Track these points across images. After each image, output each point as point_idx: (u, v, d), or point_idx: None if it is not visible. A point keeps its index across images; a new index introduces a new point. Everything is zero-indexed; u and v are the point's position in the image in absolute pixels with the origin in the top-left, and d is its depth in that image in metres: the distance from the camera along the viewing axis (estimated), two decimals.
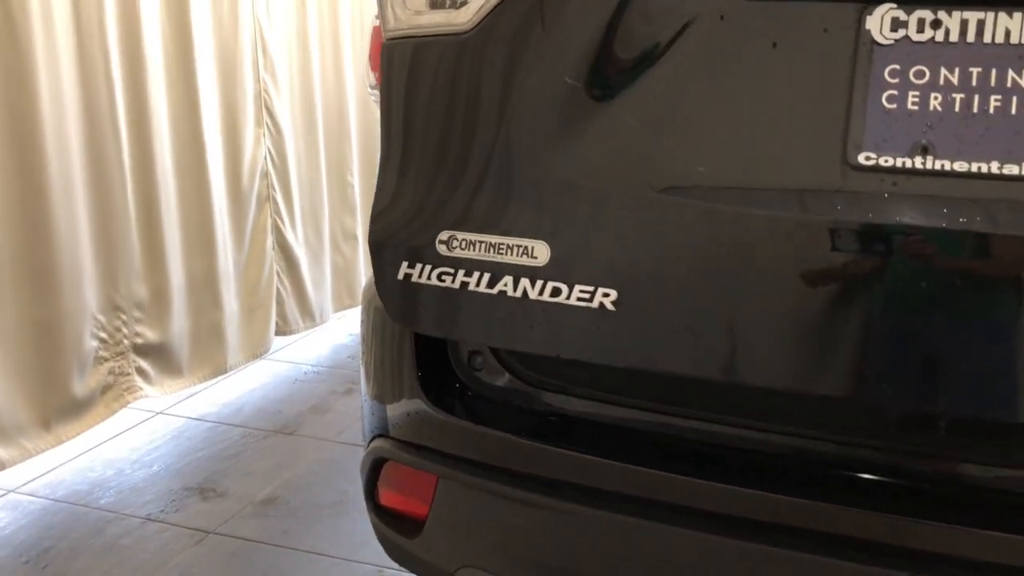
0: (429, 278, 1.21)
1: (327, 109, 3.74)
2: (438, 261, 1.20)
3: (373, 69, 1.49)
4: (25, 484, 2.63)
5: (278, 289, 3.52)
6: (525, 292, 1.13)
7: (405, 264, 1.23)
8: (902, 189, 0.99)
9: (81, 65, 2.61)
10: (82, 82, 2.62)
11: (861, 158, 1.00)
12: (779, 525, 1.16)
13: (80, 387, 2.68)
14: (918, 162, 0.98)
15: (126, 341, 2.85)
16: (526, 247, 1.13)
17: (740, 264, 1.06)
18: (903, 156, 0.98)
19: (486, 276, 1.16)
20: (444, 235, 1.19)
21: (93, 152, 2.67)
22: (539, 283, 1.12)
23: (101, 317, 2.76)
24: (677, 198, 1.07)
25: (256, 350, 3.40)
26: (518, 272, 1.14)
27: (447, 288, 1.20)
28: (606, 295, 1.09)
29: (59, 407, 2.61)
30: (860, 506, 1.11)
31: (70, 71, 2.57)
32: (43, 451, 2.57)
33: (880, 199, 1.00)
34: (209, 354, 3.16)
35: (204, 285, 3.12)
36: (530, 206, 1.14)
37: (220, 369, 3.20)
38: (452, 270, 1.19)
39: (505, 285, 1.15)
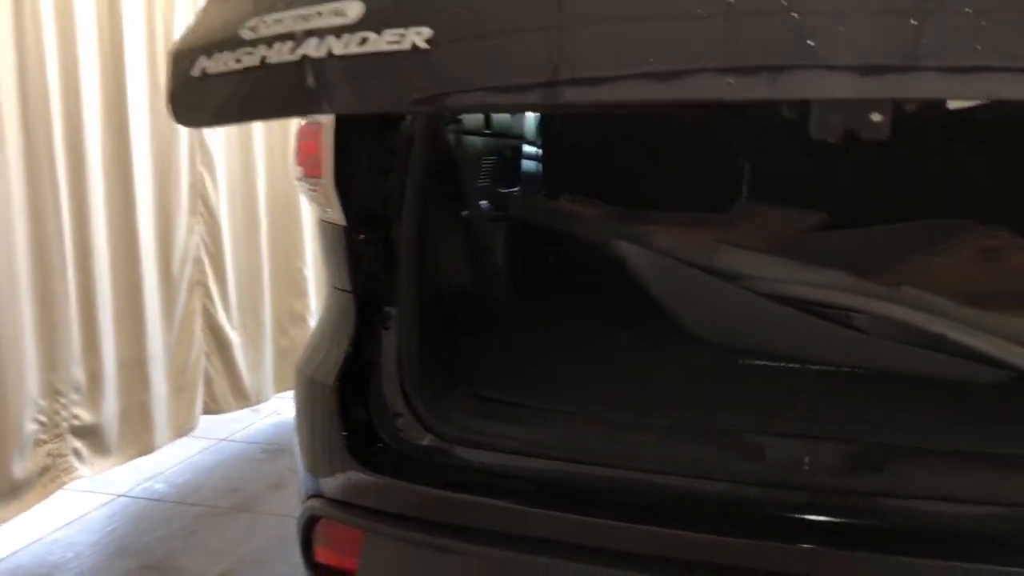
0: (227, 64, 1.16)
1: (273, 200, 3.93)
2: (239, 44, 1.14)
3: (299, 164, 1.67)
4: None
5: (207, 369, 3.65)
6: (330, 50, 1.07)
7: (203, 58, 1.18)
8: None
9: (28, 163, 2.77)
10: (28, 180, 2.77)
11: None
12: (679, 560, 1.33)
13: (19, 470, 2.76)
14: None
15: (64, 424, 2.95)
16: (336, 8, 1.08)
17: None
18: None
19: (288, 44, 1.10)
20: (251, 22, 1.14)
21: (36, 243, 2.81)
22: (347, 37, 1.06)
23: (42, 401, 2.85)
24: None
25: (183, 429, 3.50)
26: (325, 32, 1.07)
27: (246, 68, 1.14)
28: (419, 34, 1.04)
29: None
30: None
31: (17, 168, 2.72)
32: None
33: None
34: (137, 433, 3.25)
35: (134, 367, 3.24)
36: None
37: (147, 448, 3.29)
38: (252, 49, 1.13)
39: (309, 47, 1.08)
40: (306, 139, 1.66)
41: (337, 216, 1.63)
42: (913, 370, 1.77)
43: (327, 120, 1.62)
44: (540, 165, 2.86)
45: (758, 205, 2.64)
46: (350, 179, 1.62)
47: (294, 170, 1.72)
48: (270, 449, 3.67)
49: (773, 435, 1.48)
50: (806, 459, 1.40)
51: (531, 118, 2.81)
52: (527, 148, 2.83)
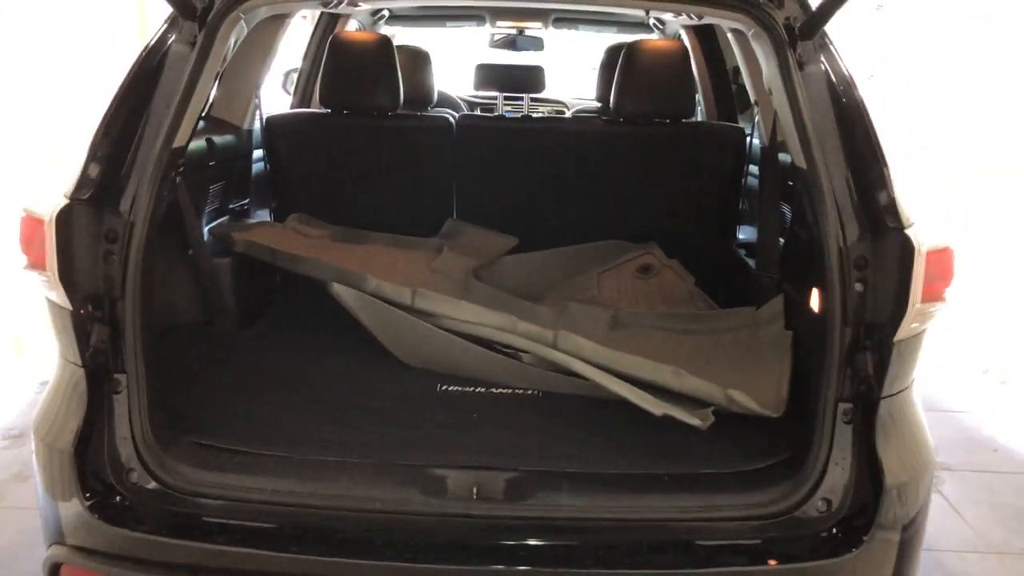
0: None
1: None
2: None
3: (25, 253, 1.83)
4: None
5: None
6: None
7: None
8: None
9: None
10: None
11: None
12: None
13: None
14: None
15: None
16: None
17: None
18: None
19: None
20: None
21: None
22: None
23: None
24: None
25: None
26: None
27: None
28: None
29: None
30: None
31: None
32: None
33: None
34: None
35: None
36: None
37: None
38: None
39: None
40: (29, 231, 1.82)
41: (63, 301, 1.82)
42: (565, 391, 2.25)
43: (49, 215, 1.79)
44: (268, 186, 3.06)
45: (463, 226, 3.05)
46: (73, 268, 1.80)
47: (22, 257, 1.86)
48: (12, 435, 3.57)
49: (451, 468, 1.87)
50: (474, 489, 1.81)
51: (256, 137, 2.99)
52: (256, 168, 3.02)
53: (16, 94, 5.72)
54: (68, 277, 1.80)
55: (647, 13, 2.89)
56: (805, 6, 2.06)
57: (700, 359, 2.27)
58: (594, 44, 4.94)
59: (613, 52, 3.60)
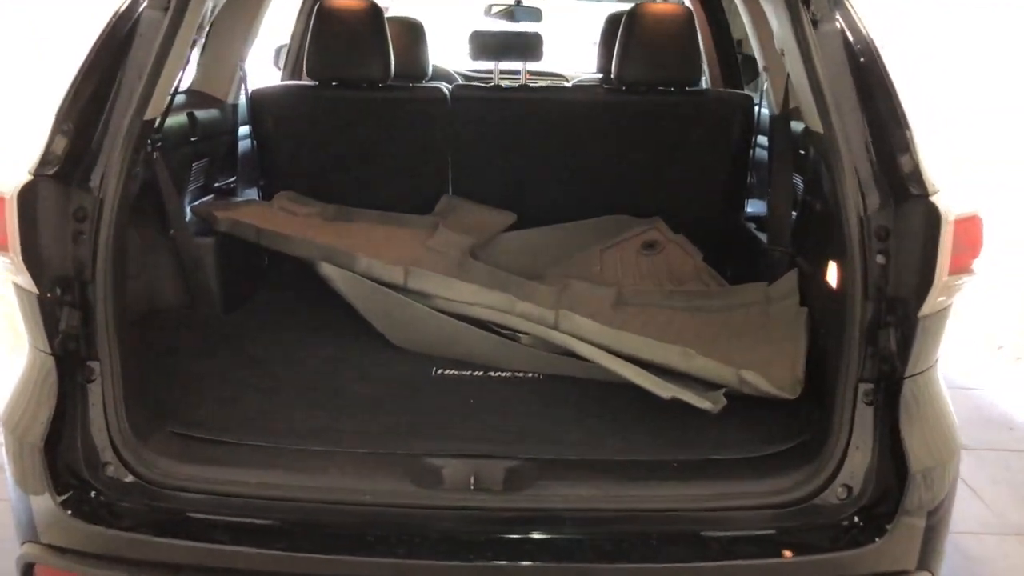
0: None
1: None
2: None
3: None
4: None
5: None
6: None
7: None
8: None
9: None
10: None
11: None
12: None
13: None
14: None
15: None
16: None
17: None
18: None
19: None
20: None
21: None
22: None
23: None
24: None
25: None
26: None
27: None
28: None
29: None
30: None
31: None
32: None
33: None
34: None
35: None
36: None
37: None
38: None
39: None
40: None
41: (28, 284, 1.70)
42: (564, 373, 2.14)
43: (10, 192, 1.67)
44: (255, 163, 2.94)
45: (458, 202, 2.92)
46: (39, 249, 1.68)
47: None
48: None
49: (447, 456, 1.76)
50: (472, 479, 1.71)
51: (242, 111, 2.87)
52: (243, 144, 2.90)
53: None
54: (33, 259, 1.68)
55: None
56: None
57: (709, 338, 2.15)
58: (595, 16, 4.80)
59: (614, 21, 3.48)
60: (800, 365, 1.97)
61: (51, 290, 1.70)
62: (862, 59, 1.81)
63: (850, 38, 1.85)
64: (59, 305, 1.70)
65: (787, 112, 2.46)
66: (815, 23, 1.85)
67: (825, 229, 1.91)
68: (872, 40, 1.87)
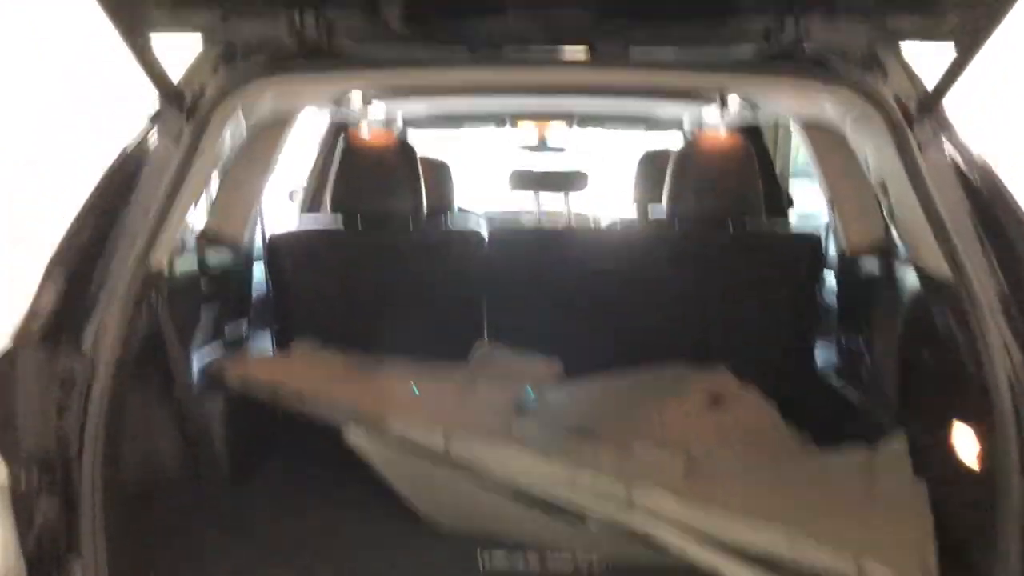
0: None
1: None
2: None
3: None
4: None
5: None
6: None
7: None
8: None
9: None
10: None
11: None
12: None
13: None
14: None
15: None
16: None
17: None
18: None
19: None
20: None
21: None
22: None
23: None
24: None
25: None
26: None
27: None
28: None
29: None
30: None
31: None
32: None
33: None
34: None
35: None
36: None
37: None
38: None
39: None
40: None
41: None
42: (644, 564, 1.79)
43: None
44: (270, 306, 2.66)
45: (497, 351, 2.62)
46: (13, 429, 1.39)
47: None
48: None
49: None
50: None
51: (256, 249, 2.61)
52: (257, 286, 2.63)
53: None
54: (5, 441, 1.38)
55: (721, 98, 2.52)
56: (913, 77, 1.75)
57: (807, 518, 1.80)
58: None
59: (654, 159, 3.32)
60: (931, 555, 1.63)
61: (26, 475, 1.38)
62: (985, 193, 1.58)
63: (962, 166, 1.63)
64: (34, 494, 1.39)
65: (888, 254, 2.21)
66: (920, 148, 1.64)
67: (950, 389, 1.62)
68: (988, 165, 1.65)
